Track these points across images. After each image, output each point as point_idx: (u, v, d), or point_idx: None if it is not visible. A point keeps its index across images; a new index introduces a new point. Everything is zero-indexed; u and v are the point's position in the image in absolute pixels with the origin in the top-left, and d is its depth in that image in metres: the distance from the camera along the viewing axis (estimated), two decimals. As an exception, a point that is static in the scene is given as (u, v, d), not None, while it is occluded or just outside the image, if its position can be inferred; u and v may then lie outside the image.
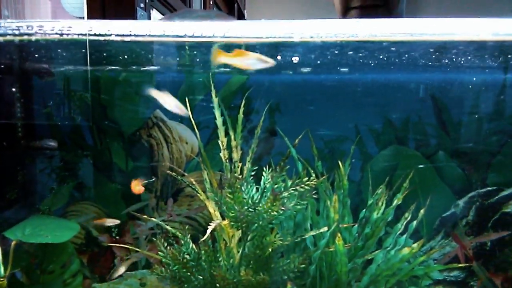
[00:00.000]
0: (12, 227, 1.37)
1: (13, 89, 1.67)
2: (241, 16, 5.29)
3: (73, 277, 1.44)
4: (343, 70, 1.76)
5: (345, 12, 1.49)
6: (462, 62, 1.56)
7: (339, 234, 1.25)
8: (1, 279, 1.22)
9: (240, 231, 1.26)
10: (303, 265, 1.27)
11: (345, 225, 1.43)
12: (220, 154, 1.34)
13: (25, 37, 1.21)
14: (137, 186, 1.45)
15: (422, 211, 1.44)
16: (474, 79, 1.76)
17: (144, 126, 1.84)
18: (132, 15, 1.90)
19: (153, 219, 1.47)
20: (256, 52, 0.98)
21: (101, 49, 1.41)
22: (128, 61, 1.62)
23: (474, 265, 1.56)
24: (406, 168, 1.61)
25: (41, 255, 1.44)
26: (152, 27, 1.17)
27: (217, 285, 1.24)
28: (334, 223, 1.33)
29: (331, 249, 1.33)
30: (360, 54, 1.47)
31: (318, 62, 1.54)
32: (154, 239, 1.38)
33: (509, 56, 1.52)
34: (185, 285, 1.28)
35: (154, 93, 1.20)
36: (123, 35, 1.16)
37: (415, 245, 1.30)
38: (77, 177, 1.84)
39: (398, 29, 1.16)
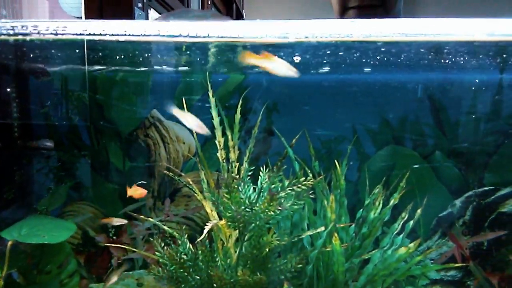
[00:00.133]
0: (9, 227, 1.37)
1: (9, 89, 1.66)
2: (239, 16, 5.29)
3: (70, 277, 1.44)
4: (341, 70, 1.76)
5: (343, 12, 1.49)
6: (458, 62, 1.57)
7: (336, 234, 1.25)
8: (-2, 279, 1.22)
9: (237, 231, 1.26)
10: (300, 265, 1.27)
11: (342, 225, 1.43)
12: (217, 154, 1.34)
13: (20, 37, 1.21)
14: (138, 190, 1.45)
15: (419, 211, 1.44)
16: (473, 79, 1.76)
17: (141, 126, 1.84)
18: (129, 15, 1.90)
19: (150, 219, 1.47)
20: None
21: (96, 48, 1.41)
22: (123, 61, 1.62)
23: (471, 264, 1.57)
24: (403, 168, 1.61)
25: (38, 255, 1.43)
26: (147, 27, 1.17)
27: (214, 285, 1.24)
28: (331, 223, 1.33)
29: (328, 249, 1.34)
30: (356, 54, 1.47)
31: (314, 62, 1.54)
32: (151, 239, 1.38)
33: (505, 56, 1.52)
34: (182, 285, 1.28)
35: (176, 111, 1.19)
36: (118, 35, 1.16)
37: (411, 244, 1.31)
38: (74, 177, 1.84)
39: (393, 29, 1.17)
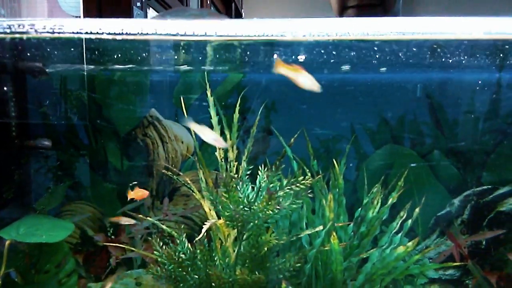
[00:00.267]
0: (6, 226, 1.37)
1: (6, 88, 1.66)
2: (238, 16, 5.28)
3: (68, 277, 1.44)
4: (338, 69, 1.76)
5: (342, 11, 1.49)
6: (456, 61, 1.57)
7: (334, 233, 1.25)
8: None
9: (235, 230, 1.26)
10: (299, 264, 1.27)
11: (340, 224, 1.43)
12: (216, 153, 1.34)
13: (17, 35, 1.20)
14: (139, 192, 1.45)
15: (417, 210, 1.44)
16: (470, 78, 1.77)
17: (140, 125, 1.83)
18: (128, 14, 1.89)
19: (148, 218, 1.46)
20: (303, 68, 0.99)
21: (93, 47, 1.40)
22: (120, 59, 1.62)
23: (469, 263, 1.57)
24: (402, 167, 1.61)
25: (36, 255, 1.43)
26: (144, 25, 1.16)
27: (213, 284, 1.24)
28: (330, 222, 1.33)
29: (326, 248, 1.34)
30: (353, 53, 1.47)
31: (312, 60, 1.54)
32: (150, 238, 1.38)
33: (502, 55, 1.52)
34: (181, 285, 1.28)
35: (193, 126, 1.19)
36: (114, 34, 1.15)
37: (410, 243, 1.31)
38: (72, 176, 1.84)
39: (390, 27, 1.17)
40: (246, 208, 1.18)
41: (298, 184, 1.20)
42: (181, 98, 1.47)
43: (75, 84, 1.78)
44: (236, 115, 1.36)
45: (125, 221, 1.38)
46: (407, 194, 1.46)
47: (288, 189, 1.20)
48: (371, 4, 1.45)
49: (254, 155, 1.66)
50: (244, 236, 1.24)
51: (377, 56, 1.49)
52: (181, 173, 1.65)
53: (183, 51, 1.53)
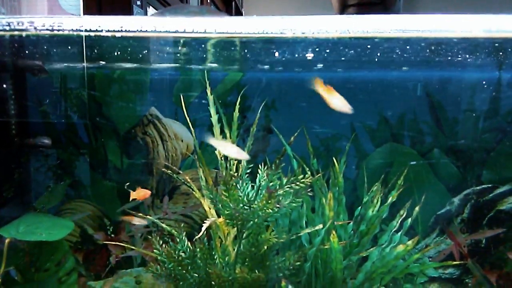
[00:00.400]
0: (6, 225, 1.37)
1: (5, 86, 1.66)
2: (238, 14, 5.27)
3: (68, 275, 1.44)
4: (338, 67, 1.76)
5: (343, 10, 1.49)
6: (455, 59, 1.56)
7: (333, 232, 1.25)
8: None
9: (235, 228, 1.26)
10: (299, 263, 1.27)
11: (340, 223, 1.43)
12: (216, 151, 1.34)
13: (16, 32, 1.20)
14: (141, 192, 1.45)
15: (417, 208, 1.44)
16: (469, 76, 1.76)
17: (139, 124, 1.83)
18: (128, 13, 1.89)
19: (148, 217, 1.46)
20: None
21: (92, 45, 1.40)
22: (119, 57, 1.61)
23: (469, 262, 1.57)
24: (401, 165, 1.61)
25: (36, 253, 1.43)
26: (144, 22, 1.16)
27: (213, 282, 1.24)
28: (329, 220, 1.33)
29: (326, 247, 1.34)
30: (353, 51, 1.47)
31: (312, 58, 1.54)
32: (150, 237, 1.38)
33: (502, 53, 1.52)
34: (181, 283, 1.28)
35: (214, 142, 1.19)
36: (114, 31, 1.15)
37: (409, 242, 1.31)
38: (72, 175, 1.84)
39: (390, 25, 1.16)
40: (246, 207, 1.18)
41: (297, 183, 1.20)
42: (181, 96, 1.47)
43: (74, 82, 1.78)
44: (236, 114, 1.36)
45: (137, 221, 1.37)
46: (407, 192, 1.46)
47: (288, 187, 1.20)
48: (372, 3, 1.45)
49: (254, 153, 1.66)
50: (244, 235, 1.24)
51: (376, 54, 1.48)
52: (181, 172, 1.64)
53: (182, 48, 1.53)
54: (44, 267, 1.42)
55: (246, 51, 1.54)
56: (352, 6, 1.46)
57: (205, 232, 1.15)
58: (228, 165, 1.35)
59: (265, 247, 1.25)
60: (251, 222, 1.21)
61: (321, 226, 1.31)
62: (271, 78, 1.74)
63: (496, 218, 1.65)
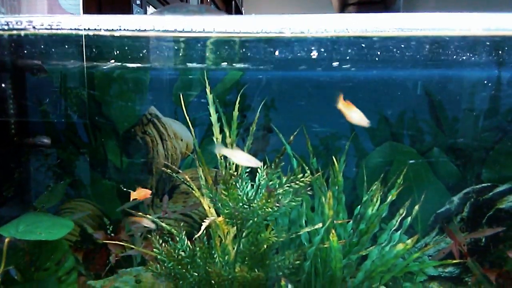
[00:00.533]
0: (6, 224, 1.36)
1: (4, 85, 1.65)
2: (238, 14, 5.26)
3: (67, 274, 1.44)
4: (337, 66, 1.75)
5: (343, 9, 1.49)
6: (455, 58, 1.56)
7: (333, 231, 1.25)
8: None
9: (235, 227, 1.26)
10: (298, 262, 1.27)
11: (339, 221, 1.43)
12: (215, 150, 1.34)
13: (15, 32, 1.20)
14: (142, 192, 1.45)
15: (416, 207, 1.44)
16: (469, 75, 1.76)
17: (139, 123, 1.83)
18: (128, 12, 1.89)
19: (148, 216, 1.46)
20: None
21: (90, 44, 1.40)
22: (118, 56, 1.61)
23: (469, 261, 1.57)
24: (401, 164, 1.61)
25: (36, 253, 1.43)
26: (142, 21, 1.15)
27: (212, 281, 1.24)
28: (329, 219, 1.33)
29: (325, 246, 1.34)
30: (350, 50, 1.46)
31: (310, 57, 1.54)
32: (149, 236, 1.38)
33: (501, 52, 1.52)
34: (180, 282, 1.28)
35: (224, 151, 1.20)
36: (112, 30, 1.15)
37: (409, 241, 1.31)
38: (72, 174, 1.83)
39: (390, 24, 1.16)
40: (245, 206, 1.18)
41: (297, 182, 1.20)
42: (181, 96, 1.46)
43: (73, 81, 1.78)
44: (235, 113, 1.36)
45: (146, 223, 1.37)
46: (406, 191, 1.46)
47: (287, 186, 1.20)
48: (372, 1, 1.45)
49: (253, 152, 1.66)
50: (244, 234, 1.24)
51: (376, 53, 1.48)
52: (180, 171, 1.64)
53: (182, 47, 1.52)
54: (44, 266, 1.42)
55: (244, 49, 1.53)
56: (352, 5, 1.46)
57: (204, 231, 1.15)
58: (227, 164, 1.35)
59: (265, 246, 1.25)
60: (251, 221, 1.21)
61: (320, 225, 1.31)
62: (271, 76, 1.74)
63: (496, 217, 1.65)
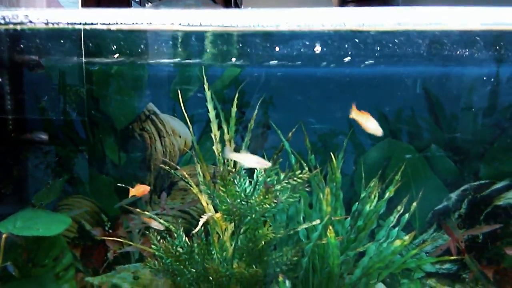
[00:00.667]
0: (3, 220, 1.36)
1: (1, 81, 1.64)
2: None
3: (65, 271, 1.44)
4: (336, 63, 1.75)
5: (342, 4, 1.49)
6: (454, 54, 1.55)
7: (331, 227, 1.25)
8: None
9: (233, 224, 1.26)
10: (296, 258, 1.27)
11: (337, 218, 1.43)
12: (213, 147, 1.34)
13: (11, 26, 1.18)
14: (141, 188, 1.45)
15: (414, 204, 1.44)
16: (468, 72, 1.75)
17: (137, 120, 1.83)
18: (127, 8, 1.88)
19: (146, 212, 1.46)
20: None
21: (85, 39, 1.38)
22: (114, 51, 1.60)
23: (466, 257, 1.57)
24: (399, 161, 1.61)
25: (33, 249, 1.43)
26: (138, 15, 1.14)
27: (210, 278, 1.24)
28: (327, 216, 1.33)
29: (323, 242, 1.34)
30: (347, 45, 1.46)
31: (307, 53, 1.53)
32: (147, 232, 1.38)
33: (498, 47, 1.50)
34: (178, 278, 1.28)
35: (233, 155, 1.20)
36: (109, 24, 1.13)
37: (406, 237, 1.31)
38: (70, 170, 1.83)
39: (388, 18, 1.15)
40: (243, 202, 1.18)
41: (295, 178, 1.20)
42: (179, 92, 1.46)
43: (70, 77, 1.77)
44: (233, 109, 1.35)
45: (156, 225, 1.37)
46: (405, 188, 1.46)
47: (285, 183, 1.20)
48: None
49: (252, 149, 1.66)
50: (242, 230, 1.24)
51: (373, 48, 1.47)
52: (178, 168, 1.64)
53: (179, 42, 1.51)
54: (41, 262, 1.42)
55: (241, 44, 1.52)
56: (352, 2, 1.46)
57: (202, 227, 1.15)
58: (225, 160, 1.34)
59: (263, 242, 1.25)
60: (249, 217, 1.20)
61: (318, 221, 1.31)
62: (269, 73, 1.73)
63: (493, 214, 1.66)
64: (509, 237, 1.61)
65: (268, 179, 1.26)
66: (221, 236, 1.32)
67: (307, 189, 1.27)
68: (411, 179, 1.68)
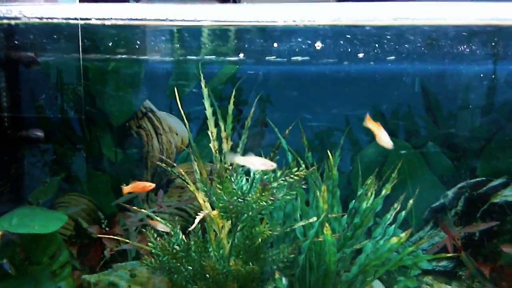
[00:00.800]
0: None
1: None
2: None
3: (61, 268, 1.43)
4: (335, 59, 1.74)
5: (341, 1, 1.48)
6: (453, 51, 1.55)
7: (327, 224, 1.25)
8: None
9: (229, 221, 1.26)
10: (292, 255, 1.27)
11: (334, 215, 1.43)
12: (210, 145, 1.33)
13: (5, 21, 1.17)
14: (140, 185, 1.44)
15: (411, 201, 1.44)
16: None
17: (134, 117, 1.82)
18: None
19: (143, 210, 1.46)
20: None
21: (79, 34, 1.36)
22: (110, 47, 1.59)
23: (463, 255, 1.57)
24: (396, 159, 1.61)
25: (30, 247, 1.42)
26: (133, 10, 1.13)
27: (207, 275, 1.24)
28: (323, 213, 1.32)
29: (320, 239, 1.34)
30: (342, 42, 1.45)
31: (303, 50, 1.52)
32: (144, 230, 1.37)
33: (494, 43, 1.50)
34: (175, 276, 1.28)
35: (238, 159, 1.19)
36: (104, 19, 1.12)
37: (403, 234, 1.31)
38: (68, 168, 1.82)
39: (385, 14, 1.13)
40: (240, 200, 1.17)
41: (292, 176, 1.20)
42: (175, 89, 1.45)
43: (66, 74, 1.75)
44: (230, 106, 1.35)
45: (161, 227, 1.37)
46: (401, 186, 1.46)
47: (282, 180, 1.20)
48: None
49: (249, 146, 1.65)
50: (238, 228, 1.24)
51: (370, 44, 1.47)
52: (175, 165, 1.64)
53: (173, 37, 1.50)
54: (37, 260, 1.42)
55: (238, 40, 1.51)
56: None
57: (199, 225, 1.15)
58: (222, 158, 1.34)
59: (260, 239, 1.25)
60: (246, 215, 1.20)
61: (315, 218, 1.31)
62: (266, 70, 1.72)
63: (490, 211, 1.66)
64: (506, 235, 1.61)
65: (265, 177, 1.25)
66: (218, 234, 1.31)
67: (304, 187, 1.26)
68: (408, 177, 1.68)
